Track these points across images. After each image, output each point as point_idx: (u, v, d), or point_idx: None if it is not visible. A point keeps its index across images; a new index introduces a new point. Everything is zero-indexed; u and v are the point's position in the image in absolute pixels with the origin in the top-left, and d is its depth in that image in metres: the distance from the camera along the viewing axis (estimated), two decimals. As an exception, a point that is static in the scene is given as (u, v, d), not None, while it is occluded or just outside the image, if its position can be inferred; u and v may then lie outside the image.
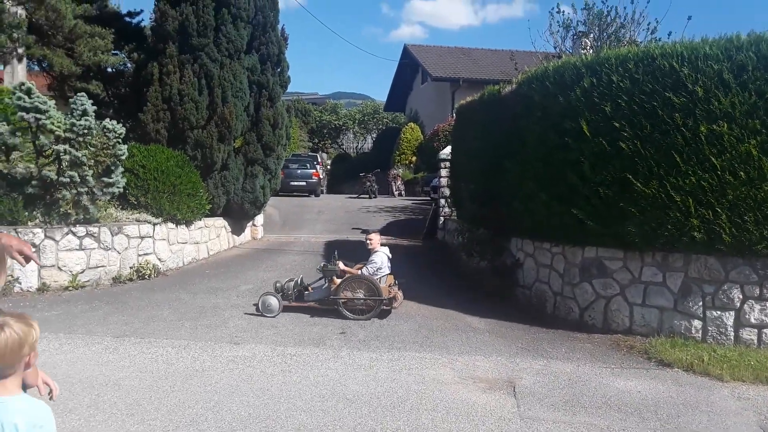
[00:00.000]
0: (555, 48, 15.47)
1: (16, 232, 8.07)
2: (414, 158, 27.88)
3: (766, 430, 4.41)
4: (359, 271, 7.66)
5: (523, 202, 7.97)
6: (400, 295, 7.71)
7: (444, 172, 14.27)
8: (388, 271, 7.76)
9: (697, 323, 6.38)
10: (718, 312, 6.30)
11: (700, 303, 6.36)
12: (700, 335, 6.36)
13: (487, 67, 27.38)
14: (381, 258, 7.69)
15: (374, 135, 40.97)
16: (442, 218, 14.58)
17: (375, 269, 7.60)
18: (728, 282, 6.25)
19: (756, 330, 6.20)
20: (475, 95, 10.57)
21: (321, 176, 25.68)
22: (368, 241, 7.90)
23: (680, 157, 6.24)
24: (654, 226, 6.41)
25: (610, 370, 5.67)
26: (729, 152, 6.05)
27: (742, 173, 6.01)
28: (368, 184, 23.71)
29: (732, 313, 6.25)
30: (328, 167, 33.05)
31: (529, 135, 7.81)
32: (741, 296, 6.21)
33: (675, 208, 6.27)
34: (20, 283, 8.07)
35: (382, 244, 8.06)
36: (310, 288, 7.89)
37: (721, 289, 6.27)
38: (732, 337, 6.25)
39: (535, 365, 5.79)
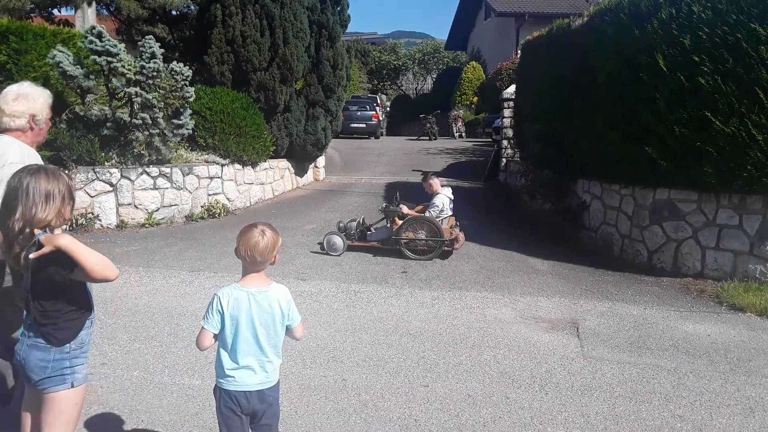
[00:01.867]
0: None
1: (95, 172, 8.49)
2: (475, 99, 27.23)
3: None
4: (421, 214, 7.70)
5: (592, 142, 7.71)
6: (461, 236, 7.72)
7: (507, 113, 13.91)
8: (450, 213, 7.76)
9: (774, 268, 6.13)
10: (799, 257, 6.01)
11: (779, 247, 6.08)
12: (776, 280, 6.12)
13: (555, 0, 26.02)
14: (442, 200, 7.68)
15: (434, 75, 40.17)
16: (504, 160, 14.32)
17: (437, 212, 7.60)
18: (811, 225, 5.93)
19: (839, 276, 5.90)
20: (543, 30, 10.14)
21: (380, 118, 25.58)
22: (427, 186, 7.85)
23: (764, 93, 5.83)
24: (732, 167, 6.09)
25: (678, 314, 5.56)
26: (821, 87, 5.62)
27: (834, 110, 5.59)
28: (428, 125, 23.45)
29: (813, 258, 5.96)
30: (388, 109, 32.81)
31: (600, 71, 7.48)
32: (825, 241, 5.90)
33: (756, 148, 5.92)
34: (100, 220, 8.55)
35: (442, 185, 8.02)
36: (372, 228, 8.01)
37: (803, 233, 5.96)
38: (812, 283, 5.98)
39: (599, 307, 5.74)
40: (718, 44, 6.09)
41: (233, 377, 2.43)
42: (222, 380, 2.46)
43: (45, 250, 2.19)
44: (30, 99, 3.02)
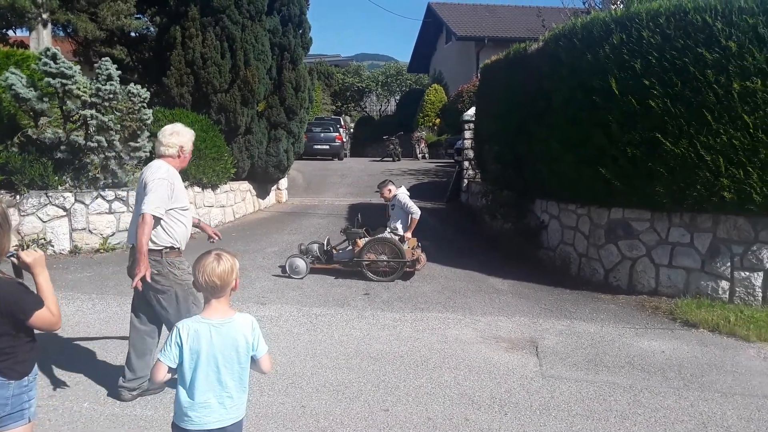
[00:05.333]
0: (584, 3, 14.97)
1: (47, 197, 8.26)
2: (438, 120, 27.57)
3: (792, 390, 4.39)
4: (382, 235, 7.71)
5: (549, 163, 7.88)
6: (423, 257, 7.75)
7: (468, 134, 14.11)
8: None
9: (724, 284, 6.31)
10: (747, 272, 6.21)
11: (728, 264, 6.28)
12: (727, 296, 6.30)
13: (514, 25, 26.71)
14: (405, 196, 7.85)
15: (398, 97, 40.56)
16: (465, 180, 14.48)
17: (411, 206, 7.74)
18: (758, 242, 6.14)
19: (785, 291, 6.12)
20: (501, 54, 10.35)
21: (344, 139, 25.62)
22: (386, 191, 7.95)
23: (711, 115, 6.08)
24: (683, 186, 6.29)
25: (634, 331, 5.67)
26: (762, 110, 5.87)
27: (776, 131, 5.84)
28: (392, 146, 23.60)
29: (761, 273, 6.16)
30: (351, 130, 32.91)
31: (555, 95, 7.66)
32: (771, 257, 6.11)
33: (705, 168, 6.14)
34: (53, 246, 8.29)
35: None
36: (334, 250, 7.98)
37: (750, 250, 6.17)
38: (760, 298, 6.17)
39: (558, 326, 5.81)
40: (667, 68, 6.33)
41: (190, 417, 2.34)
42: (178, 420, 2.37)
43: (26, 258, 2.26)
44: (181, 135, 4.03)
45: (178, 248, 3.98)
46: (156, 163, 3.98)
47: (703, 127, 6.13)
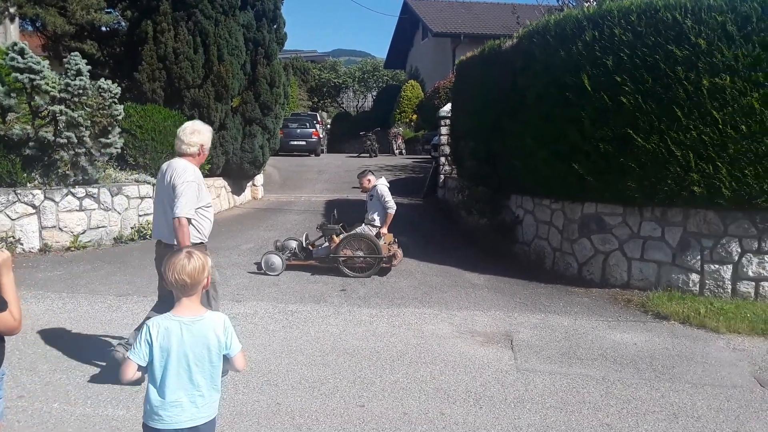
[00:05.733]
0: (558, 0, 15.11)
1: (16, 194, 8.08)
2: (414, 116, 27.58)
3: (761, 380, 4.50)
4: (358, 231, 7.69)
5: (523, 159, 7.93)
6: (399, 252, 7.76)
7: (444, 130, 14.14)
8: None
9: (694, 277, 6.44)
10: (716, 265, 6.34)
11: (699, 257, 6.40)
12: (697, 289, 6.42)
13: (489, 22, 26.84)
14: (384, 188, 7.82)
15: (374, 93, 40.43)
16: (442, 176, 14.52)
17: (389, 199, 7.73)
18: (727, 236, 6.27)
19: (753, 283, 6.26)
20: (476, 51, 10.38)
21: (321, 135, 25.50)
22: (365, 182, 7.93)
23: (681, 111, 6.18)
24: (654, 181, 6.40)
25: (606, 323, 5.75)
26: (731, 106, 5.99)
27: (743, 127, 5.97)
28: (369, 142, 23.56)
29: (730, 266, 6.30)
30: (328, 126, 32.79)
31: (529, 91, 7.71)
32: (739, 250, 6.25)
33: (675, 163, 6.24)
34: (22, 245, 8.11)
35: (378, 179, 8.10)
36: (311, 246, 7.94)
37: (720, 243, 6.30)
38: (729, 290, 6.31)
39: (532, 319, 5.86)
40: (638, 65, 6.42)
41: (161, 416, 2.31)
42: (148, 419, 2.34)
43: None
44: (201, 133, 4.14)
45: (205, 243, 4.23)
46: (181, 164, 4.08)
47: (674, 122, 6.23)
